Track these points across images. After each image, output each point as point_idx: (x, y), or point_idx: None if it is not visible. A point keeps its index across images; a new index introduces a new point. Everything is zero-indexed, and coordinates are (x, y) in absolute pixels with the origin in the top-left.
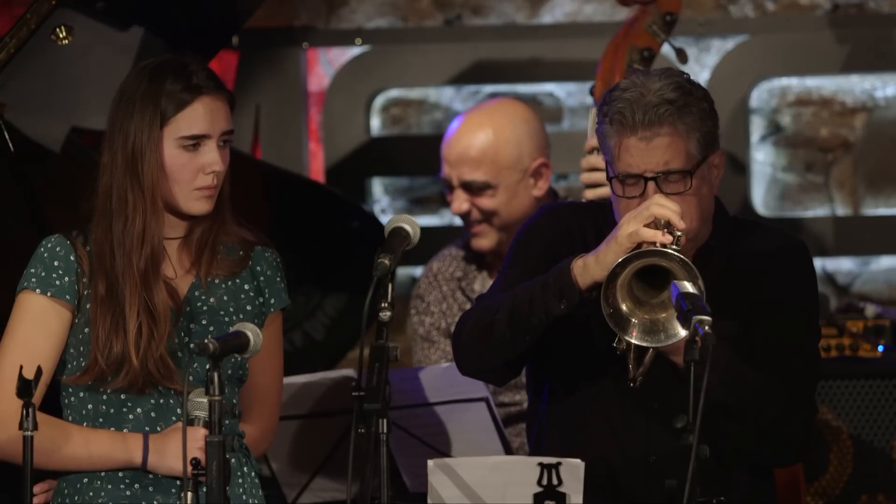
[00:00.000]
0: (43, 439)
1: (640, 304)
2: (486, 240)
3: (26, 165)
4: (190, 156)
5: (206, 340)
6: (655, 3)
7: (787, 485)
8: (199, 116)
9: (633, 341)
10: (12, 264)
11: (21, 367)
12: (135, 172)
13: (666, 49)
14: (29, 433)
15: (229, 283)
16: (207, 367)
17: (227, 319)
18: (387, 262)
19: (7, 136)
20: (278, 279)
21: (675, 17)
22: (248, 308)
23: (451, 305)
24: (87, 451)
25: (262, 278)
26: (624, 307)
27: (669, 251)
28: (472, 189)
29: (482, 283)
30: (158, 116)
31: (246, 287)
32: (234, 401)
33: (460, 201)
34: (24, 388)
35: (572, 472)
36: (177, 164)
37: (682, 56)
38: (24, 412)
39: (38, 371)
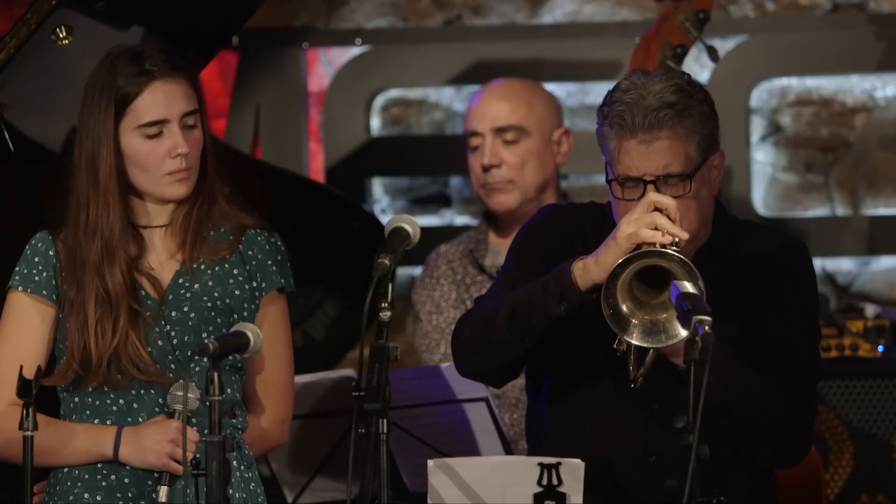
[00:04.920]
0: (18, 436)
1: (641, 305)
2: (510, 196)
3: (26, 165)
4: (153, 143)
5: (206, 340)
6: (688, 0)
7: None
8: (153, 102)
9: (634, 342)
10: (12, 264)
11: (21, 368)
12: (93, 167)
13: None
14: (29, 433)
15: (216, 268)
16: (187, 356)
17: (209, 305)
18: (387, 262)
19: (7, 136)
20: (270, 262)
21: (707, 14)
22: (237, 293)
23: (465, 277)
24: (62, 444)
25: (253, 262)
26: (624, 308)
27: (669, 251)
28: (505, 134)
29: (493, 257)
30: (112, 108)
31: (235, 272)
32: (234, 394)
33: (491, 154)
34: (25, 388)
35: (572, 472)
36: (142, 154)
37: (713, 54)
38: (24, 412)
39: (39, 371)
